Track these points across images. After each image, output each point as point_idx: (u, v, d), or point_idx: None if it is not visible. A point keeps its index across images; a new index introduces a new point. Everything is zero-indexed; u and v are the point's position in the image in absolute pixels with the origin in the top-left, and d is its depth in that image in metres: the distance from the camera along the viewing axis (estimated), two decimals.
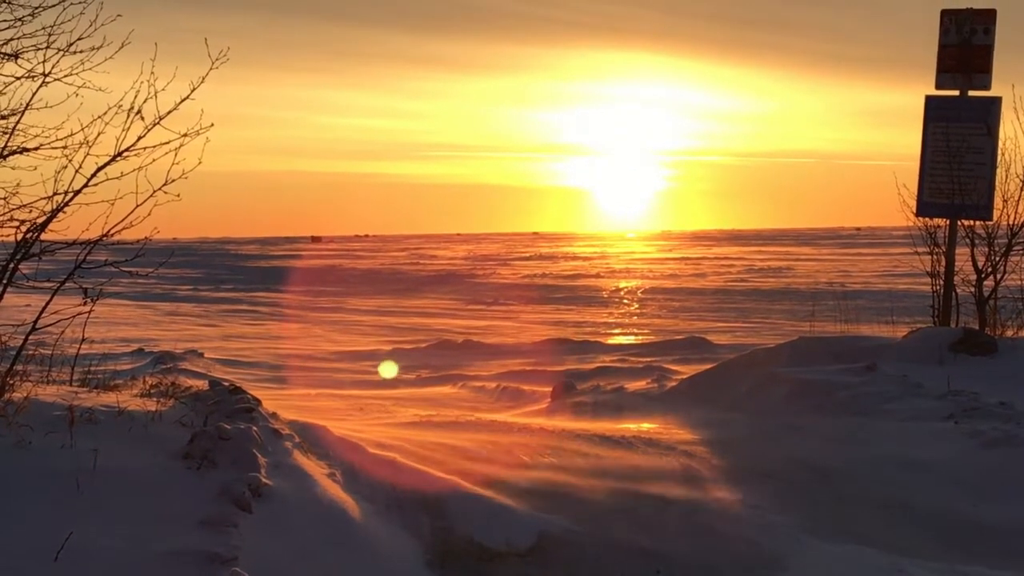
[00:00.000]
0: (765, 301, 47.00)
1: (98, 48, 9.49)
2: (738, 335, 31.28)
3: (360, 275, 78.41)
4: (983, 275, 16.68)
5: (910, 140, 17.75)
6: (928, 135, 16.96)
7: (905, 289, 43.56)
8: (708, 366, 17.36)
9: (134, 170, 9.27)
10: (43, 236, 9.29)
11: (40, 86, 9.49)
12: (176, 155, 9.30)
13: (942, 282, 16.83)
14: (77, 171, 9.28)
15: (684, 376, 17.43)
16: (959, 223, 16.82)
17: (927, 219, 17.15)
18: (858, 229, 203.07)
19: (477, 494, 9.17)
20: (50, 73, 9.48)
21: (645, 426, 13.06)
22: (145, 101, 9.21)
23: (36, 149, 9.54)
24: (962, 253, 16.89)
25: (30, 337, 9.29)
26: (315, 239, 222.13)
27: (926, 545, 8.93)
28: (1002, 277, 16.71)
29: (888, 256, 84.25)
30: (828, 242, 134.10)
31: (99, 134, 9.33)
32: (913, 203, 17.12)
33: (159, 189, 9.25)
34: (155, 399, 9.58)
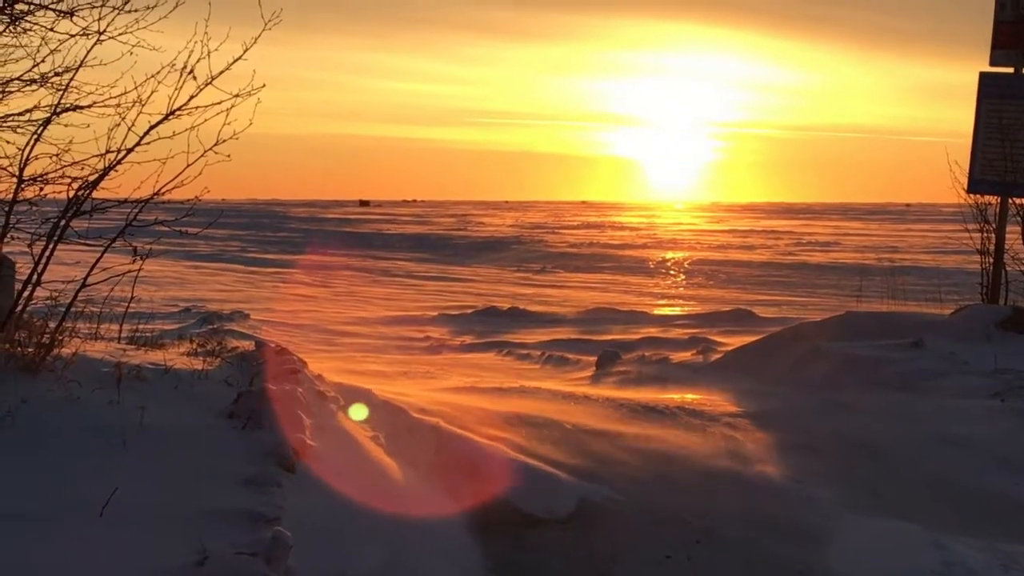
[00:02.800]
0: (813, 275, 46.76)
1: (153, 7, 9.53)
2: (785, 308, 31.15)
3: (408, 240, 78.51)
4: None
5: (963, 117, 17.64)
6: (981, 112, 16.83)
7: (954, 266, 43.30)
8: (754, 339, 17.31)
9: (186, 130, 9.31)
10: (94, 194, 9.34)
11: (95, 44, 9.54)
12: (227, 115, 9.34)
13: (991, 260, 16.72)
14: (130, 129, 9.33)
15: (729, 348, 17.40)
16: (1010, 201, 16.70)
17: (978, 196, 17.01)
18: (908, 205, 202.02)
19: (519, 461, 9.20)
20: (105, 31, 9.52)
21: (689, 397, 13.06)
22: (198, 61, 9.25)
23: (89, 107, 9.59)
24: (1012, 231, 16.77)
25: (80, 294, 9.35)
26: (364, 203, 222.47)
27: (969, 522, 8.90)
28: None
29: (938, 233, 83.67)
30: (878, 217, 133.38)
31: (152, 93, 9.37)
32: (964, 180, 17.00)
33: (210, 149, 9.29)
34: (201, 358, 9.64)
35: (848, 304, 24.66)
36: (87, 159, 9.40)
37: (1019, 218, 16.72)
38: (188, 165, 9.27)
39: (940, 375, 13.24)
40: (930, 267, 43.29)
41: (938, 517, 8.94)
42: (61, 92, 9.54)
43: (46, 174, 9.41)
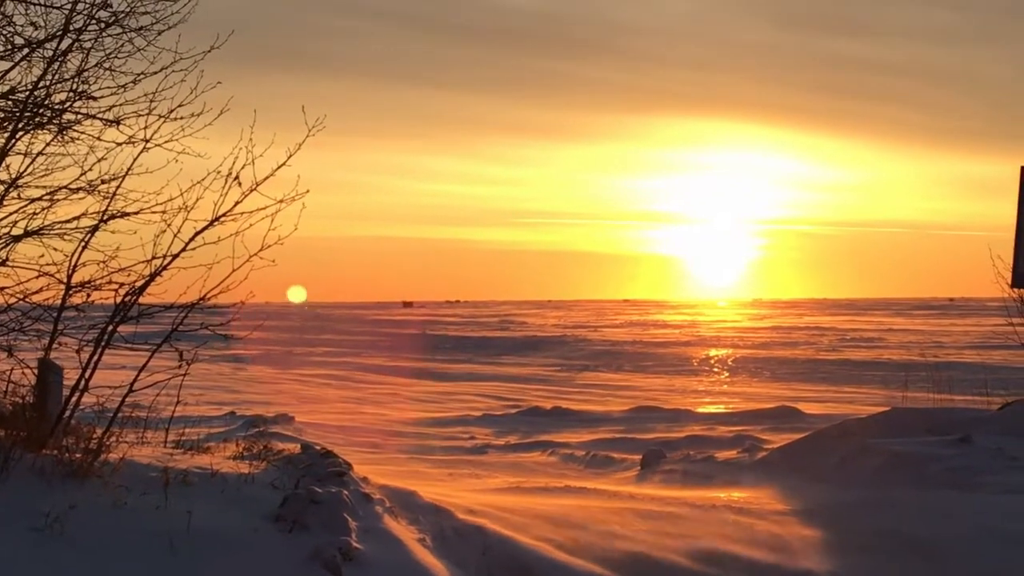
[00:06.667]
0: (857, 371, 46.52)
1: (198, 115, 9.64)
2: (829, 405, 30.97)
3: (451, 341, 78.66)
4: None
5: (1005, 211, 17.58)
6: None
7: (1000, 361, 43.07)
8: (799, 436, 17.23)
9: (231, 235, 9.38)
10: (141, 299, 9.40)
11: (141, 151, 9.65)
12: (272, 220, 9.40)
13: None
14: (176, 236, 9.40)
15: (775, 446, 17.32)
16: None
17: (1023, 290, 16.92)
18: (952, 299, 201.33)
19: (566, 562, 9.16)
20: (151, 139, 9.64)
21: (735, 495, 12.99)
22: (243, 167, 9.33)
23: (136, 213, 9.69)
24: None
25: (126, 399, 9.39)
26: (407, 304, 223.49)
27: None
28: None
29: (982, 327, 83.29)
30: (922, 312, 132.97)
31: (197, 199, 9.46)
32: (1008, 274, 16.92)
33: (255, 254, 9.35)
34: (248, 462, 9.66)
35: (894, 400, 24.53)
36: (134, 265, 9.49)
37: None
38: (233, 270, 9.33)
39: (988, 471, 13.13)
40: (975, 362, 43.01)
41: None
42: (108, 199, 9.65)
43: (93, 280, 9.50)
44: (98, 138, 9.77)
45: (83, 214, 9.73)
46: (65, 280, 9.44)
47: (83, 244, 9.51)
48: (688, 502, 11.97)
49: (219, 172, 9.40)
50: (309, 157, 10.15)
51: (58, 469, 8.15)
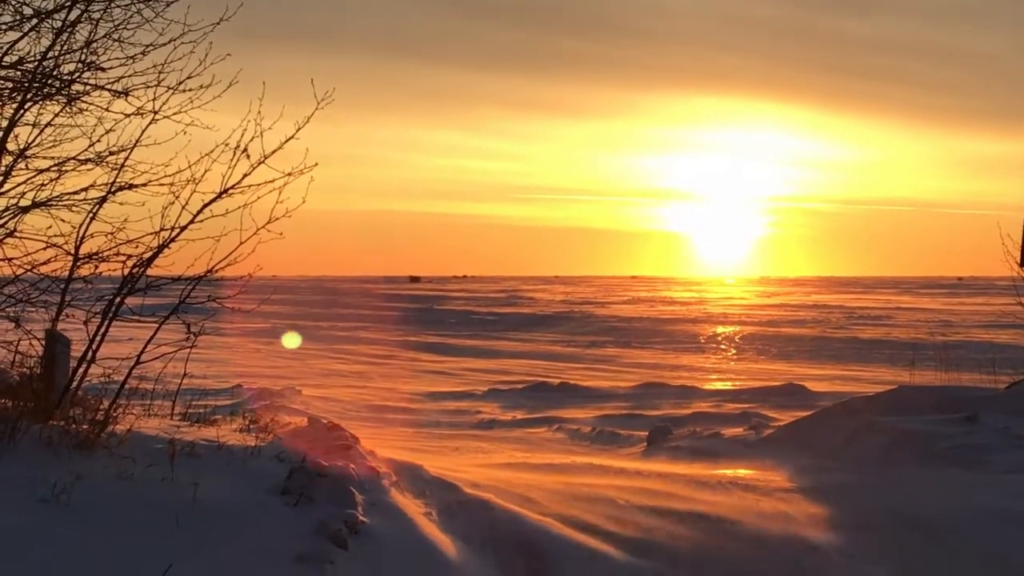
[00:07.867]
0: (864, 349, 46.42)
1: (207, 86, 9.63)
2: (836, 383, 30.91)
3: (458, 316, 78.61)
4: None
5: (1014, 189, 17.54)
6: None
7: (1008, 340, 43.01)
8: (806, 413, 17.21)
9: (239, 207, 9.37)
10: (149, 271, 9.40)
11: (149, 123, 9.64)
12: (280, 193, 9.39)
13: None
14: (184, 207, 9.40)
15: (781, 423, 17.30)
16: None
17: None
18: (960, 278, 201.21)
19: (572, 537, 9.16)
20: (159, 111, 9.62)
21: (741, 472, 12.98)
22: (252, 139, 9.32)
23: (144, 185, 9.68)
24: None
25: (133, 371, 9.40)
26: (414, 279, 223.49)
27: None
28: None
29: (991, 306, 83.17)
30: (930, 291, 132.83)
31: (206, 171, 9.45)
32: (1017, 253, 16.87)
33: (263, 227, 9.34)
34: (254, 434, 9.66)
35: (901, 378, 24.51)
36: (142, 237, 9.49)
37: None
38: (241, 243, 9.33)
39: (994, 450, 13.11)
40: (983, 341, 42.98)
41: None
42: (116, 171, 9.65)
43: (101, 252, 9.49)
44: (106, 109, 9.76)
45: (91, 185, 9.72)
46: (73, 251, 9.45)
47: (91, 215, 9.52)
48: (694, 479, 11.97)
49: (227, 144, 9.39)
50: (318, 131, 10.14)
51: (65, 440, 8.16)
